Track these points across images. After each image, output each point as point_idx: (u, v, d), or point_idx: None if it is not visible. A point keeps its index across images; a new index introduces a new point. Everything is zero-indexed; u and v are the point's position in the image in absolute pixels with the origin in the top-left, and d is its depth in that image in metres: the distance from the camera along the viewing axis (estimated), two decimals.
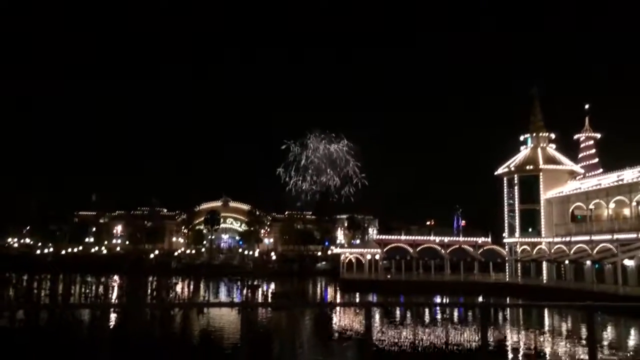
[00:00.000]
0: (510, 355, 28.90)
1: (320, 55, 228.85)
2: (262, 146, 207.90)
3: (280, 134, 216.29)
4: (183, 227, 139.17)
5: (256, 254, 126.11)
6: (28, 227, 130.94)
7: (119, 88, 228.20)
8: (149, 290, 67.47)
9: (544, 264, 63.20)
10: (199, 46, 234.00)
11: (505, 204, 69.41)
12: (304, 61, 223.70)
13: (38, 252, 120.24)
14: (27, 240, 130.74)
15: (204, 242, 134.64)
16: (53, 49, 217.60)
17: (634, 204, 53.02)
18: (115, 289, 69.05)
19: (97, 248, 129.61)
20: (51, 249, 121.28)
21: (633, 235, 50.96)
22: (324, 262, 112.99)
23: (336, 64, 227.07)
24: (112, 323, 33.25)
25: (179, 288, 71.11)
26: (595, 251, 55.11)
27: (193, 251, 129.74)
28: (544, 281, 62.55)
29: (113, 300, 56.04)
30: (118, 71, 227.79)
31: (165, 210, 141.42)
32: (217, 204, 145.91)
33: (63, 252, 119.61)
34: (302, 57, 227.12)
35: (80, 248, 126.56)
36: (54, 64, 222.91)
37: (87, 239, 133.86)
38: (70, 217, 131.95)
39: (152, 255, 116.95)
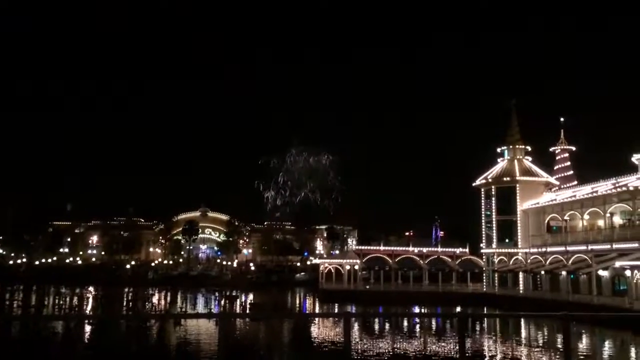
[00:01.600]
0: None
1: (311, 55, 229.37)
2: (242, 156, 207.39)
3: (261, 142, 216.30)
4: (160, 237, 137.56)
5: (235, 265, 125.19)
6: (1, 237, 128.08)
7: (95, 91, 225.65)
8: (125, 302, 66.43)
9: (521, 274, 63.78)
10: (184, 56, 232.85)
11: (483, 215, 69.98)
12: (290, 61, 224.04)
13: (11, 262, 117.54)
14: (0, 251, 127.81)
15: (182, 252, 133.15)
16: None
17: (607, 215, 53.98)
18: (90, 300, 67.79)
19: (72, 258, 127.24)
20: (24, 260, 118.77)
21: (607, 246, 51.82)
22: (303, 273, 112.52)
23: (324, 64, 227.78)
24: (87, 335, 32.63)
25: (155, 299, 70.13)
26: (570, 261, 55.88)
27: (170, 262, 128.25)
28: (521, 291, 63.10)
29: (88, 312, 54.99)
30: (97, 74, 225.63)
31: (142, 220, 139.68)
32: (196, 214, 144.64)
33: (37, 262, 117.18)
34: (288, 57, 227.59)
35: (55, 258, 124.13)
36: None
37: (61, 249, 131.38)
38: (44, 227, 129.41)
39: (128, 266, 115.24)
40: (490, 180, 68.54)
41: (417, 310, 59.64)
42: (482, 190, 70.05)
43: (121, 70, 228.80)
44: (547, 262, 59.63)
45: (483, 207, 69.94)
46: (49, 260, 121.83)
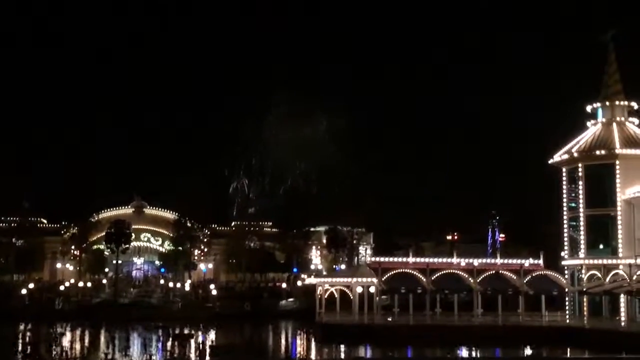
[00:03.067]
0: None
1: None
2: (197, 123, 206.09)
3: (226, 105, 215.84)
4: (73, 247, 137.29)
5: (187, 287, 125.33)
6: None
7: None
8: (20, 346, 66.55)
9: (622, 298, 63.98)
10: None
11: (565, 207, 70.01)
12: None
13: None
14: None
15: (106, 269, 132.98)
16: None
17: None
18: None
19: None
20: None
21: None
22: (291, 299, 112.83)
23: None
24: None
25: (66, 341, 70.17)
26: None
27: (89, 283, 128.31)
28: (623, 323, 63.35)
29: None
30: None
31: (44, 222, 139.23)
32: (127, 210, 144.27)
33: None
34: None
35: None
36: None
37: None
38: None
39: (23, 291, 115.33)
40: (576, 154, 68.39)
41: (465, 354, 59.86)
42: (564, 170, 69.98)
43: None
44: None
45: (565, 196, 69.95)
46: None
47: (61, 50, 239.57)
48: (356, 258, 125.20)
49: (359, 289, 74.34)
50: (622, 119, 69.73)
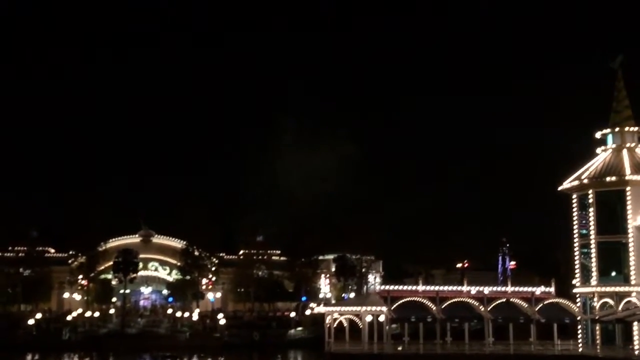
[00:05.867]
0: None
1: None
2: (205, 150, 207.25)
3: (235, 135, 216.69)
4: (80, 277, 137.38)
5: (195, 317, 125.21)
6: None
7: None
8: None
9: (635, 326, 63.70)
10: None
11: (576, 234, 69.88)
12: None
13: None
14: None
15: (114, 299, 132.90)
16: None
17: None
18: None
19: None
20: None
21: None
22: (299, 329, 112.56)
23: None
24: None
25: None
26: None
27: (96, 313, 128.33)
28: (636, 352, 63.04)
29: None
30: None
31: (52, 251, 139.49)
32: (134, 239, 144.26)
33: None
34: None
35: None
36: None
37: None
38: None
39: (31, 321, 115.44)
40: (586, 181, 68.47)
41: None
42: (574, 196, 69.99)
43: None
44: None
45: (576, 223, 69.89)
46: None
47: (44, 92, 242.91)
48: (365, 286, 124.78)
49: (369, 318, 74.21)
50: (633, 145, 69.83)
